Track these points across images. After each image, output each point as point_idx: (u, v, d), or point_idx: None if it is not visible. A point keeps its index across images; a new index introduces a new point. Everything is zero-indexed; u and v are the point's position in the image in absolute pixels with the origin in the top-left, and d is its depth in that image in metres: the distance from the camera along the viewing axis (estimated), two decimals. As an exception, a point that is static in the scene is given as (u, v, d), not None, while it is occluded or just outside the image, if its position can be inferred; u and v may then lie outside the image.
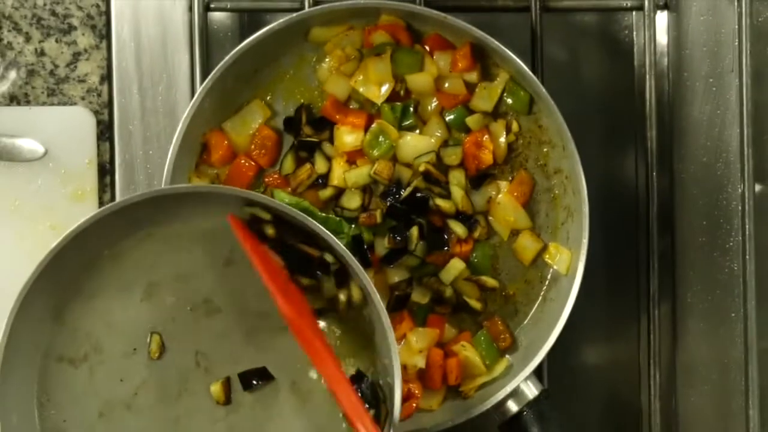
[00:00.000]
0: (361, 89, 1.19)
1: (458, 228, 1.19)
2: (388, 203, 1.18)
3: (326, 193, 1.20)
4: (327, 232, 1.07)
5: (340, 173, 1.19)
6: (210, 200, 1.09)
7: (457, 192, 1.19)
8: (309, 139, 1.20)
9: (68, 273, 1.09)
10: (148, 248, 1.11)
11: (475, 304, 1.20)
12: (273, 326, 1.11)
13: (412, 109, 1.20)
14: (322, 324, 1.12)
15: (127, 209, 1.07)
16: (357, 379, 1.10)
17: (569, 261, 1.19)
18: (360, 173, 1.19)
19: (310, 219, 1.07)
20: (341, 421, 1.11)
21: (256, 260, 1.07)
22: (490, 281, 1.20)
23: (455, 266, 1.20)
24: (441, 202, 1.18)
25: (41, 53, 1.27)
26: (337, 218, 1.17)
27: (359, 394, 1.08)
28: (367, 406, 1.07)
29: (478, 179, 1.20)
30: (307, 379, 1.11)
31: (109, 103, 1.27)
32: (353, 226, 1.18)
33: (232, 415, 1.11)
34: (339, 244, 1.07)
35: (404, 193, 1.18)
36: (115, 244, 1.11)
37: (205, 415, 1.11)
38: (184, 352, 1.11)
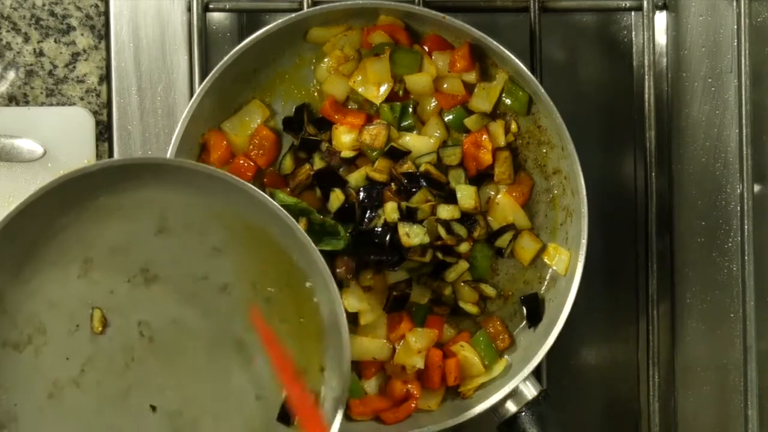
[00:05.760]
0: (359, 89, 1.19)
1: (458, 228, 1.19)
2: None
3: (324, 193, 1.20)
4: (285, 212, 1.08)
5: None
6: (142, 172, 1.09)
7: (467, 189, 1.19)
8: (312, 137, 1.20)
9: (4, 260, 1.09)
10: (80, 224, 1.11)
11: (472, 309, 1.20)
12: (212, 287, 1.11)
13: (411, 109, 1.20)
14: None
15: (61, 188, 1.07)
16: None
17: (568, 261, 1.19)
18: (360, 175, 1.19)
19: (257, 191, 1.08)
20: None
21: (271, 352, 1.07)
22: (488, 290, 1.20)
23: (461, 266, 1.20)
24: (444, 212, 1.18)
25: (40, 53, 1.27)
26: (333, 221, 1.17)
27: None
28: None
29: (478, 179, 1.20)
30: (250, 336, 1.11)
31: (108, 104, 1.27)
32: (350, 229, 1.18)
33: (183, 379, 1.12)
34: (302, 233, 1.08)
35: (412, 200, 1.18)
36: (50, 223, 1.10)
37: (155, 384, 1.11)
38: (127, 323, 1.12)
